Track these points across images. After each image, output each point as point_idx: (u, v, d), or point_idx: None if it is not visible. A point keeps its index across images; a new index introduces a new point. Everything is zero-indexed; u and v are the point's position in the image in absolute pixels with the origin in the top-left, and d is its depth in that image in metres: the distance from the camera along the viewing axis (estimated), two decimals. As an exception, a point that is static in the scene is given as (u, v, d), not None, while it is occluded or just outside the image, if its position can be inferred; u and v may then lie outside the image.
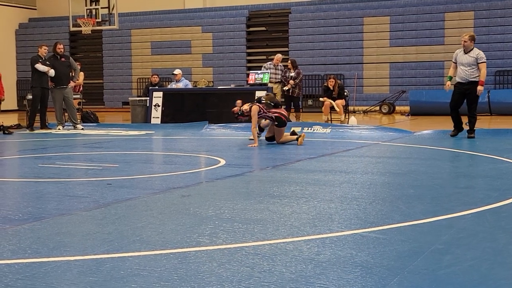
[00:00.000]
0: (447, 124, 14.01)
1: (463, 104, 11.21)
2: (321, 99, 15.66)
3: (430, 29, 21.28)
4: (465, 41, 11.00)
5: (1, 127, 13.88)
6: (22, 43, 27.36)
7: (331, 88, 15.08)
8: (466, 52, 10.99)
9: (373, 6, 22.39)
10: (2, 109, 15.77)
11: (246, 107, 10.56)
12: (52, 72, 14.13)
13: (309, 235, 4.13)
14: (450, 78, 11.43)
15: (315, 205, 5.13)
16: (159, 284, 3.14)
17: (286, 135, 10.65)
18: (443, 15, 21.19)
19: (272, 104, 10.54)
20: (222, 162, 8.16)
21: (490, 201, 5.29)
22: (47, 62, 14.21)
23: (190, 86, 17.02)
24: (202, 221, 4.58)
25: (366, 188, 6.03)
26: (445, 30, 21.10)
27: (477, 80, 10.86)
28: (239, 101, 10.98)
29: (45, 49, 14.36)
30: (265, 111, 10.42)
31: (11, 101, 24.69)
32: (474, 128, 11.18)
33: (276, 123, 10.40)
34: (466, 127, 11.33)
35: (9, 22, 27.55)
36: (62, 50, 14.60)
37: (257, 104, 10.53)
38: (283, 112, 10.58)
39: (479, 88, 10.82)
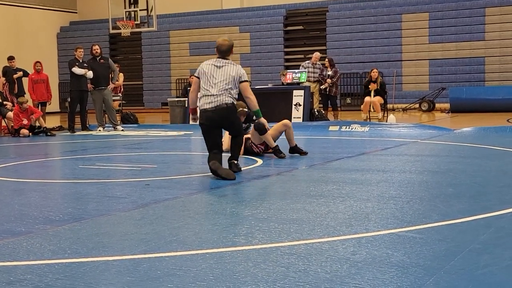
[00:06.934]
0: (488, 121, 13.80)
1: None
2: (370, 87, 15.03)
3: (470, 24, 20.92)
4: None
5: (44, 129, 14.18)
6: (64, 46, 27.83)
7: (374, 80, 14.76)
8: None
9: (411, 2, 22.12)
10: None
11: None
12: (90, 74, 14.33)
13: (345, 235, 4.12)
14: None
15: (351, 205, 5.12)
16: (195, 284, 3.17)
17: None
18: (483, 10, 20.81)
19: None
20: (259, 162, 8.19)
21: (531, 199, 5.19)
22: (85, 64, 14.42)
23: None
24: (239, 221, 4.61)
25: (404, 187, 5.98)
26: (485, 25, 20.73)
27: None
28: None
29: (80, 51, 14.52)
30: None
31: (53, 103, 25.03)
32: None
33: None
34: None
35: (51, 25, 28.08)
36: (98, 51, 14.71)
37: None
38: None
39: None
